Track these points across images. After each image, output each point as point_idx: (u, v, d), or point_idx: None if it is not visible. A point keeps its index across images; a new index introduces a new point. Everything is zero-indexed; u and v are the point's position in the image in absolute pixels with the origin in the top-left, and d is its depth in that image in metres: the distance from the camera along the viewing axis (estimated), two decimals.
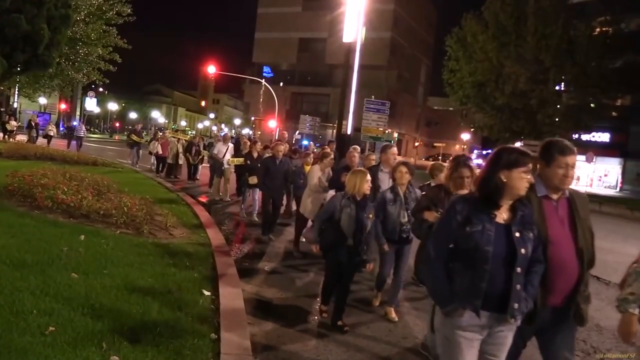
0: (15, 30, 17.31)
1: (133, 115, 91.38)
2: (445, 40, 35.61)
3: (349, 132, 20.19)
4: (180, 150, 18.44)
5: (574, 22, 30.39)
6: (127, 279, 5.38)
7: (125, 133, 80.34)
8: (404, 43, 61.55)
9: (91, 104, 54.81)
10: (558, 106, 32.81)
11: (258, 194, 11.09)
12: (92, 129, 65.17)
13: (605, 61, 30.67)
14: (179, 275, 5.82)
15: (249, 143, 13.35)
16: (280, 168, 9.41)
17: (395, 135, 58.91)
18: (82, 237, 6.77)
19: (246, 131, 73.75)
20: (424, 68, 72.83)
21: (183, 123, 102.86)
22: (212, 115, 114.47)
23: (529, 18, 30.61)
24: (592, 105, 33.01)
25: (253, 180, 10.75)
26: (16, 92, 36.62)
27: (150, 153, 19.54)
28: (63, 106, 53.37)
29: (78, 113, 53.10)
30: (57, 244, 6.27)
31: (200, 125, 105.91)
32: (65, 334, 3.91)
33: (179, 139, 19.95)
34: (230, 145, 14.71)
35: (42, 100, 45.85)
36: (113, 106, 77.88)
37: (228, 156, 13.92)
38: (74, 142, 27.95)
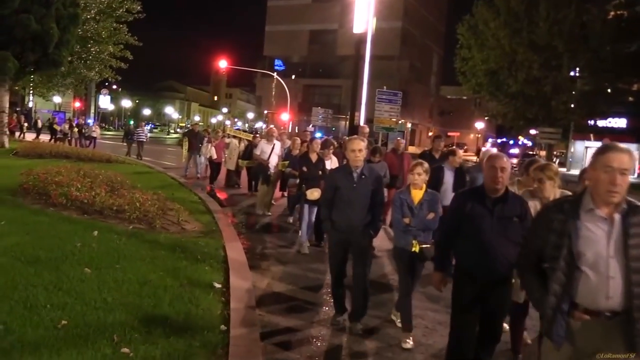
0: (25, 31, 17.49)
1: (147, 111, 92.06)
2: (457, 29, 35.30)
3: (361, 123, 20.15)
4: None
5: (587, 6, 29.90)
6: (139, 273, 5.45)
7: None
8: (415, 32, 61.16)
9: (105, 102, 55.19)
10: (572, 92, 32.40)
11: (315, 214, 8.05)
12: (106, 127, 65.71)
13: (620, 45, 30.12)
14: (190, 269, 5.87)
15: (298, 141, 10.95)
16: (360, 189, 4.96)
17: (409, 125, 58.83)
18: (95, 232, 6.87)
19: (259, 124, 73.86)
20: (436, 57, 72.33)
21: (197, 118, 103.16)
22: (225, 110, 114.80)
23: (540, 3, 30.17)
24: (607, 90, 32.53)
25: (313, 194, 7.85)
26: (31, 92, 37.01)
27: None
28: (77, 104, 53.89)
29: (92, 111, 53.54)
30: (70, 240, 6.36)
31: (213, 120, 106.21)
32: (77, 327, 3.99)
33: (240, 139, 15.99)
34: (277, 143, 11.33)
35: (57, 99, 46.31)
36: (127, 103, 78.46)
37: (274, 158, 11.04)
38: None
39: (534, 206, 4.22)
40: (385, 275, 6.92)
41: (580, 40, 29.75)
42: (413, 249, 4.74)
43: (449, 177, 7.23)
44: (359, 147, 4.97)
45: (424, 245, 4.69)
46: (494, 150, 4.10)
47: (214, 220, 9.12)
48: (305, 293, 6.00)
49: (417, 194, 4.89)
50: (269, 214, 11.01)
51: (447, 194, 6.72)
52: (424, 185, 4.96)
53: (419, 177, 4.87)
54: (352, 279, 5.04)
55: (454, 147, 7.93)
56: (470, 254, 3.63)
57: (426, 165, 4.98)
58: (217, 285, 5.43)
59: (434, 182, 6.42)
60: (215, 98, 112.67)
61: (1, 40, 17.67)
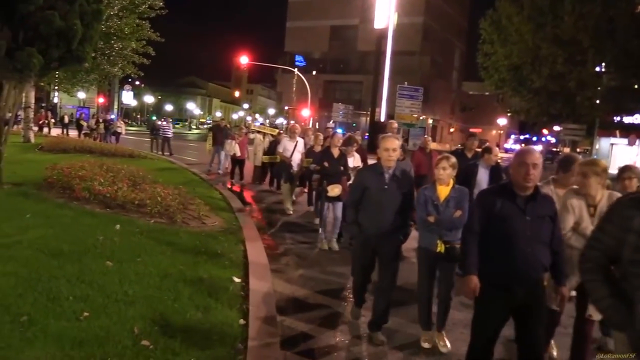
0: (49, 27, 17.64)
1: (169, 107, 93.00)
2: (479, 24, 34.92)
3: (382, 119, 20.08)
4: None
5: (613, 0, 29.33)
6: (159, 267, 5.51)
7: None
8: (437, 27, 60.57)
9: (128, 97, 55.97)
10: (598, 88, 31.83)
11: (340, 209, 7.90)
12: (129, 122, 66.51)
13: None
14: (210, 263, 5.92)
15: (321, 137, 10.48)
16: (392, 191, 4.55)
17: (430, 121, 58.42)
18: (117, 226, 6.95)
19: (280, 120, 74.08)
20: (458, 52, 71.63)
21: (218, 114, 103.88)
22: (246, 106, 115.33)
23: None
24: (634, 86, 31.89)
25: (334, 191, 7.86)
26: (55, 88, 37.65)
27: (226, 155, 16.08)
28: (101, 100, 54.64)
29: (116, 106, 54.29)
30: (93, 234, 6.46)
31: (234, 116, 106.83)
32: (98, 319, 4.05)
33: (264, 134, 15.49)
34: (300, 140, 11.01)
35: (81, 95, 47.00)
36: (149, 99, 79.32)
37: (297, 155, 10.74)
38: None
39: (579, 206, 3.97)
40: (409, 276, 6.71)
41: (606, 35, 29.18)
42: (438, 249, 4.48)
43: (482, 175, 6.92)
44: (393, 146, 4.54)
45: (456, 245, 4.31)
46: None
47: (234, 217, 9.16)
48: (326, 297, 5.79)
49: (443, 191, 4.58)
50: (291, 211, 10.78)
51: None
52: (451, 181, 4.63)
53: (444, 171, 4.55)
54: (376, 284, 4.73)
55: (489, 144, 7.62)
56: (500, 258, 3.29)
57: (453, 159, 4.62)
58: (237, 280, 5.46)
59: (466, 179, 6.14)
60: (237, 94, 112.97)
61: (27, 36, 17.94)
